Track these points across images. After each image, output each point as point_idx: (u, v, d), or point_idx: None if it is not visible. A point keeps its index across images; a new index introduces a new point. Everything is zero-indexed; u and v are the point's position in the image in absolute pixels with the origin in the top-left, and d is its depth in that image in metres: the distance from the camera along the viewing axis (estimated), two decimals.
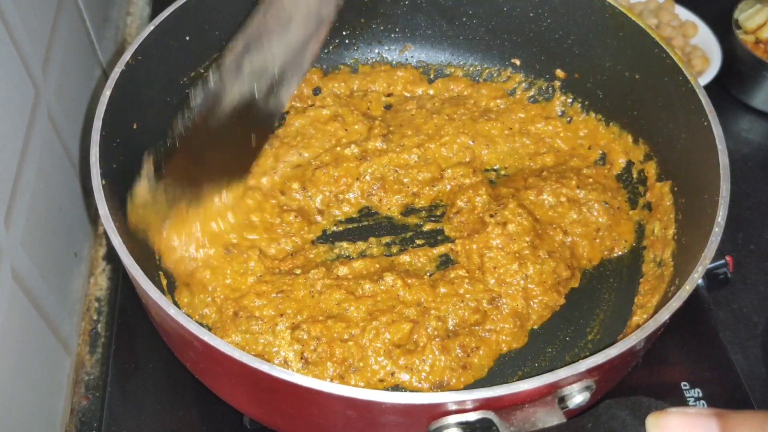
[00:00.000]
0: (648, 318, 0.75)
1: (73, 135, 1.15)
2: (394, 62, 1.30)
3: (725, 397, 1.04)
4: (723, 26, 1.45)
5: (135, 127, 1.01)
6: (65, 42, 1.13)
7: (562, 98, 1.23)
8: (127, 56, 0.97)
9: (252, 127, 1.01)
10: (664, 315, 0.74)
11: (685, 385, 1.05)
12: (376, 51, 1.30)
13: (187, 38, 1.09)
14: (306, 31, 0.97)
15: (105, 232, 0.82)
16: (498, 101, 1.25)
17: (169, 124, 0.93)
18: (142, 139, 1.03)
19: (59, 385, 1.04)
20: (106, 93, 0.93)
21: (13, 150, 0.92)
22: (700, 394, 1.04)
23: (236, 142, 1.01)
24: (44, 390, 0.99)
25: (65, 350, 1.06)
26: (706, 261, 0.80)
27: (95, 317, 1.14)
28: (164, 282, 1.01)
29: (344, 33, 1.28)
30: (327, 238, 1.09)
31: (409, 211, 1.13)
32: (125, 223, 0.90)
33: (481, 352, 0.95)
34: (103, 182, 0.85)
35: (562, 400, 0.70)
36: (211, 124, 0.94)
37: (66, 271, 1.11)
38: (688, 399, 1.04)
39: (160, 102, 1.08)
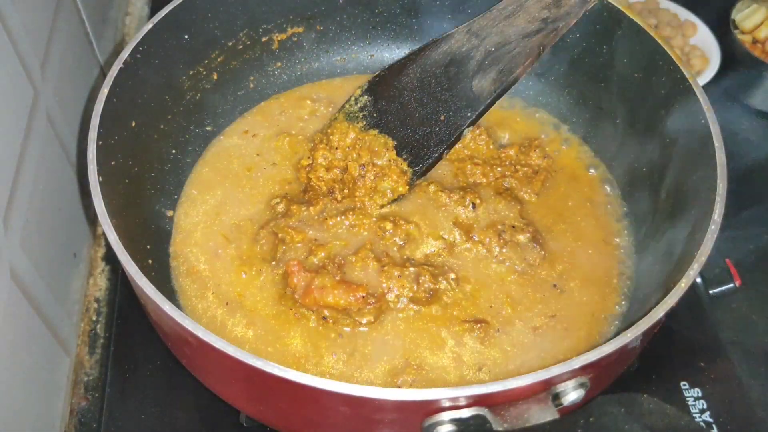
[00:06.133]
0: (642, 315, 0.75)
1: (72, 135, 1.15)
2: None
3: (725, 397, 1.04)
4: (722, 26, 1.45)
5: (133, 125, 1.01)
6: (64, 42, 1.13)
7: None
8: (125, 54, 0.97)
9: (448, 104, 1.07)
10: (659, 312, 0.74)
11: (684, 385, 1.05)
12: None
13: (186, 37, 1.09)
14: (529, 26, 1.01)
15: (104, 233, 0.82)
16: None
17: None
18: (140, 138, 1.03)
19: (58, 386, 1.04)
20: (104, 91, 0.93)
21: (11, 151, 0.92)
22: (700, 394, 1.04)
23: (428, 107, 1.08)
24: (43, 391, 0.99)
25: (64, 351, 1.06)
26: (702, 258, 0.80)
27: (94, 318, 1.15)
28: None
29: None
30: None
31: None
32: (122, 220, 0.90)
33: None
34: (100, 179, 0.85)
35: (556, 397, 0.70)
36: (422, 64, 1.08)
37: (65, 272, 1.11)
38: (688, 399, 1.04)
39: (158, 101, 1.08)
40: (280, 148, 1.18)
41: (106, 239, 1.18)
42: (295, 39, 1.25)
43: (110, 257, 1.22)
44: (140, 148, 1.04)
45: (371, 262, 1.00)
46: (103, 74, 1.32)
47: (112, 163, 0.94)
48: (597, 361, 0.70)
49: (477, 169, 1.12)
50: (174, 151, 1.13)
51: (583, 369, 0.70)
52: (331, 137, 1.10)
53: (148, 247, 1.01)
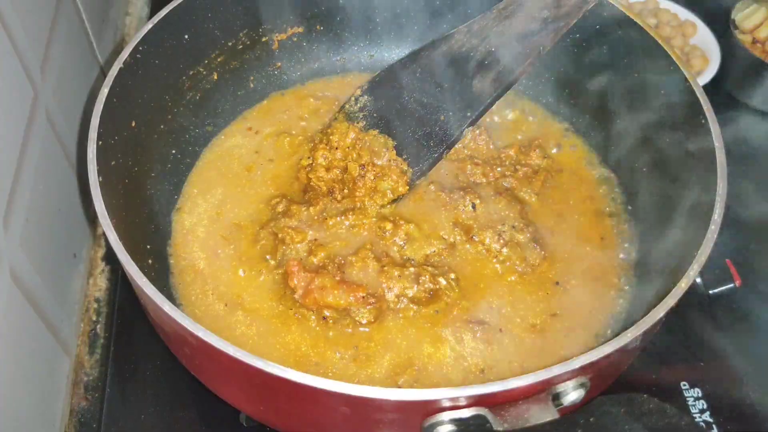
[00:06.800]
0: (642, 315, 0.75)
1: (72, 135, 1.15)
2: None
3: (725, 397, 1.04)
4: (722, 26, 1.45)
5: (133, 125, 1.01)
6: (64, 42, 1.13)
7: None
8: (125, 54, 0.97)
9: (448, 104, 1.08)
10: (659, 312, 0.74)
11: (684, 385, 1.05)
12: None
13: (186, 37, 1.10)
14: (529, 26, 1.02)
15: (104, 233, 0.82)
16: None
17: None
18: (140, 138, 1.03)
19: (58, 386, 1.04)
20: (104, 90, 0.93)
21: (11, 151, 0.92)
22: (700, 394, 1.04)
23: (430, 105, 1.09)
24: (43, 391, 0.99)
25: (64, 351, 1.06)
26: (702, 258, 0.80)
27: (94, 318, 1.14)
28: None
29: None
30: None
31: None
32: (122, 220, 0.90)
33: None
34: (100, 179, 0.85)
35: (556, 397, 0.70)
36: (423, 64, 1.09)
37: (65, 272, 1.11)
38: (688, 399, 1.04)
39: (158, 101, 1.08)
40: (281, 147, 1.19)
41: (106, 239, 1.18)
42: (295, 39, 1.25)
43: (110, 257, 1.21)
44: (140, 148, 1.04)
45: (371, 262, 1.00)
46: (103, 74, 1.32)
47: (112, 163, 0.94)
48: (597, 361, 0.70)
49: (477, 169, 1.12)
50: (174, 151, 1.13)
51: (583, 369, 0.70)
52: (331, 137, 1.11)
53: (148, 247, 1.01)
